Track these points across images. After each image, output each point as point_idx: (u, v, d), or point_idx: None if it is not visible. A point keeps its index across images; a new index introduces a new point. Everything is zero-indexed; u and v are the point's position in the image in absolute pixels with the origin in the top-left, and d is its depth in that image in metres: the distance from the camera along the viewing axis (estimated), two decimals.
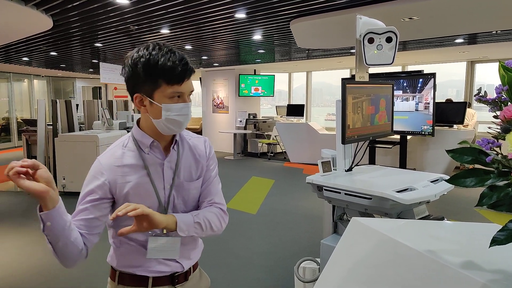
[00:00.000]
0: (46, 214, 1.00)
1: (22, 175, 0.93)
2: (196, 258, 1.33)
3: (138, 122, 1.25)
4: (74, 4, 4.77)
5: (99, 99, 13.75)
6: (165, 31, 6.48)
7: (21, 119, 12.07)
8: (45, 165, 6.23)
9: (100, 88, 16.39)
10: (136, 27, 6.12)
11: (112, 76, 10.51)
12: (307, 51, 8.93)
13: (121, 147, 1.20)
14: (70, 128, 6.60)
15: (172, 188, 1.20)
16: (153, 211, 1.07)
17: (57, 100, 6.42)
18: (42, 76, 14.45)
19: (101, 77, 10.08)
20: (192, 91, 1.18)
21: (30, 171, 0.94)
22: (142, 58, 1.11)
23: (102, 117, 6.57)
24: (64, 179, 5.91)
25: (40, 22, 5.46)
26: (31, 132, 6.83)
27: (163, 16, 5.42)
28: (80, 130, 6.95)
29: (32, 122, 7.41)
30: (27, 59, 10.09)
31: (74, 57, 9.84)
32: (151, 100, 1.14)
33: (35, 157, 6.45)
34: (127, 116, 7.25)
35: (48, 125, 6.51)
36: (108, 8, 4.98)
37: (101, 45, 7.90)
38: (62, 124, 6.43)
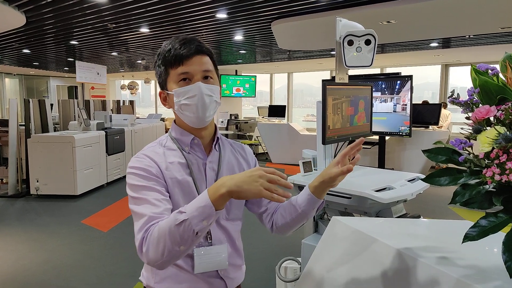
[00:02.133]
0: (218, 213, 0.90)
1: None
2: (239, 279, 1.22)
3: (175, 121, 1.19)
4: (48, 1, 4.65)
5: (75, 98, 13.42)
6: (144, 30, 6.39)
7: None
8: (17, 167, 6.10)
9: (76, 87, 16.00)
10: (114, 25, 6.02)
11: (89, 75, 10.27)
12: (288, 52, 8.99)
13: (160, 146, 1.13)
14: (44, 129, 6.41)
15: None
16: None
17: (30, 100, 6.22)
18: (14, 75, 14.00)
19: (77, 76, 9.84)
20: (207, 70, 1.07)
21: None
22: (157, 54, 1.11)
23: (79, 117, 6.42)
24: (37, 181, 5.73)
25: (12, 18, 5.29)
26: (2, 132, 6.58)
27: (142, 15, 5.35)
28: (54, 130, 6.77)
29: (3, 122, 7.14)
30: None
31: (48, 55, 9.58)
32: (167, 91, 1.09)
33: (6, 159, 6.24)
34: (105, 117, 7.10)
35: (20, 125, 6.30)
36: (84, 5, 4.88)
37: (77, 43, 7.72)
38: (35, 125, 6.24)
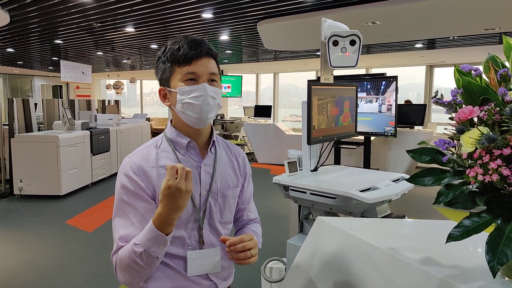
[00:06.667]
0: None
1: None
2: (230, 279, 1.25)
3: (171, 121, 1.17)
4: None
5: (60, 98, 13.19)
6: (130, 29, 6.32)
7: None
8: (1, 167, 5.96)
9: (61, 86, 15.72)
10: (99, 24, 5.93)
11: (73, 74, 10.10)
12: (274, 53, 9.00)
13: (155, 147, 1.12)
14: (28, 128, 6.31)
15: (209, 195, 1.13)
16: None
17: (14, 99, 6.12)
18: None
19: (62, 75, 9.67)
20: (213, 73, 1.08)
21: None
22: (162, 50, 1.12)
23: (63, 117, 6.32)
24: (21, 181, 5.62)
25: None
26: None
27: (128, 14, 5.28)
28: (39, 130, 6.65)
29: None
30: None
31: (32, 54, 9.40)
32: (170, 89, 1.09)
33: None
34: (90, 116, 7.00)
35: (4, 125, 6.19)
36: (69, 4, 4.79)
37: (62, 42, 7.59)
38: (19, 124, 6.14)
